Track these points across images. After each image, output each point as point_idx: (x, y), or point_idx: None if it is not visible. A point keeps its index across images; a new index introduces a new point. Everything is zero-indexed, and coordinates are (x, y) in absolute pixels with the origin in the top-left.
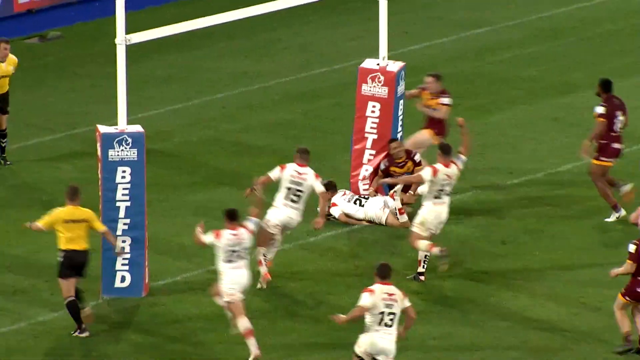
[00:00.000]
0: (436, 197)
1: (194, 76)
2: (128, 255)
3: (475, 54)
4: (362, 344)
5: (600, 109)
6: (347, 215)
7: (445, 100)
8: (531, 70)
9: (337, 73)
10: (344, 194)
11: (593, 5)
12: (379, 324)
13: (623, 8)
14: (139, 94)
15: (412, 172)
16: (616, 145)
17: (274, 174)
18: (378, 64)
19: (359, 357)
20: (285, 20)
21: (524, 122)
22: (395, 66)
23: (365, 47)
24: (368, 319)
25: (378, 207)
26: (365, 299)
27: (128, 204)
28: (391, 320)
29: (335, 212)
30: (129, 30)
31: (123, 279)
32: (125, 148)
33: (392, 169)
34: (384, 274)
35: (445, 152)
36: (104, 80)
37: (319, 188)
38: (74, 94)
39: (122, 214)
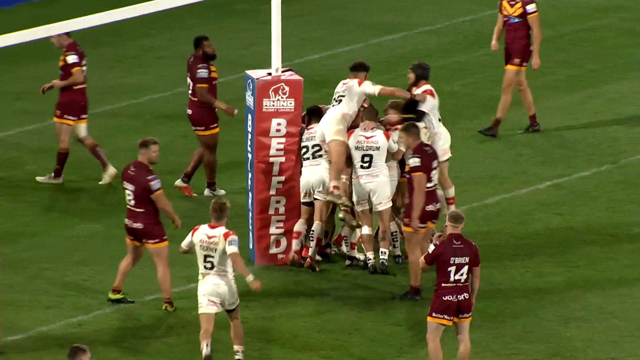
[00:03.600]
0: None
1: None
2: None
3: (386, 65)
4: None
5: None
6: None
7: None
8: (453, 84)
9: (222, 87)
10: None
11: None
12: None
13: (564, 11)
14: None
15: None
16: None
17: None
18: (269, 74)
19: None
20: (161, 24)
21: None
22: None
23: (257, 57)
24: None
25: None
26: None
27: None
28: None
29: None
30: None
31: None
32: None
33: None
34: None
35: None
36: None
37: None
38: None
39: None
